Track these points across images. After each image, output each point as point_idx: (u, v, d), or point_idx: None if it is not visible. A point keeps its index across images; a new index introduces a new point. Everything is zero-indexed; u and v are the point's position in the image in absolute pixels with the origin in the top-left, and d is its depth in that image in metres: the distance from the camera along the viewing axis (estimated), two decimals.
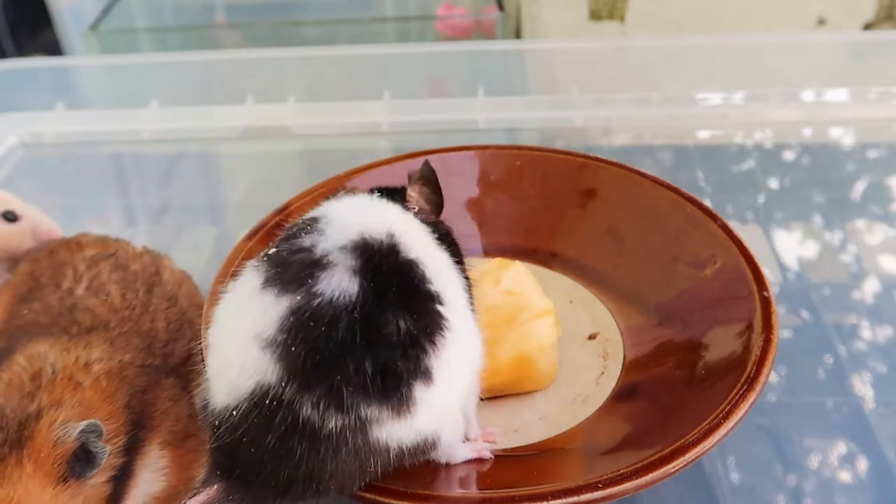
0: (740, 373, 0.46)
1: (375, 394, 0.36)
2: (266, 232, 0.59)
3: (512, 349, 0.52)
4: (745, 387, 0.45)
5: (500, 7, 1.43)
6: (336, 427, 0.35)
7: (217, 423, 0.37)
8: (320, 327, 0.36)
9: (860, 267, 0.70)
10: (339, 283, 0.36)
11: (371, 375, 0.36)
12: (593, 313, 0.59)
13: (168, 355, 0.50)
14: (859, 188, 0.80)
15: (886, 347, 0.62)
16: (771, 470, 0.53)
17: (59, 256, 0.55)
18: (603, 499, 0.41)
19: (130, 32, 1.50)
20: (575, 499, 0.40)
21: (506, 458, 0.48)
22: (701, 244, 0.56)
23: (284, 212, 0.61)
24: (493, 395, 0.53)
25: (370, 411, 0.36)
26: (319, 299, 0.36)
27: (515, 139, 0.89)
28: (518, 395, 0.53)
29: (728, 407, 0.44)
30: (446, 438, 0.41)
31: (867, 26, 1.26)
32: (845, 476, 0.53)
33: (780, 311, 0.54)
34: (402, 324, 0.37)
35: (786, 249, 0.72)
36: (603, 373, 0.54)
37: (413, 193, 0.46)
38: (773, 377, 0.59)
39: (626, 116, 0.90)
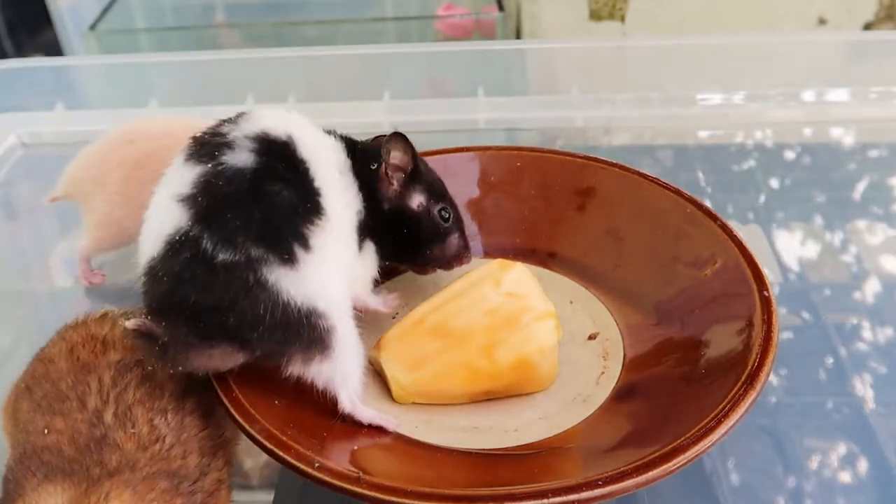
0: (740, 371, 0.46)
1: (261, 238, 0.44)
2: None
3: (513, 352, 0.52)
4: (745, 385, 0.45)
5: (500, 7, 1.43)
6: (229, 259, 0.43)
7: (144, 276, 0.45)
8: (220, 184, 0.45)
9: (861, 267, 0.70)
10: (240, 157, 0.46)
11: (258, 222, 0.44)
12: (593, 313, 0.59)
13: (193, 492, 0.44)
14: (860, 188, 0.80)
15: (887, 348, 0.62)
16: (771, 470, 0.53)
17: (81, 357, 0.48)
18: (603, 496, 0.41)
19: (130, 32, 1.50)
20: (575, 496, 0.40)
21: (506, 457, 0.48)
22: (701, 244, 0.56)
23: None
24: (493, 397, 0.53)
25: (257, 252, 0.44)
26: (223, 166, 0.45)
27: (515, 139, 0.89)
28: (518, 395, 0.53)
29: (728, 405, 0.44)
30: (339, 342, 0.47)
31: (867, 26, 1.26)
32: (846, 476, 0.53)
33: (780, 311, 0.54)
34: (286, 194, 0.46)
35: (786, 250, 0.72)
36: (603, 373, 0.54)
37: (388, 154, 0.53)
38: (774, 377, 0.59)
39: (626, 116, 0.90)
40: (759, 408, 0.56)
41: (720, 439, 0.43)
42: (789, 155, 0.86)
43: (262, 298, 0.44)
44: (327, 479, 0.42)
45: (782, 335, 0.58)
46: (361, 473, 0.42)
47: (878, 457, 0.54)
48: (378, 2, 1.62)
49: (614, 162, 0.64)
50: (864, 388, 0.58)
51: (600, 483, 0.41)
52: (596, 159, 0.64)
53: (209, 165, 0.45)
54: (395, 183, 0.54)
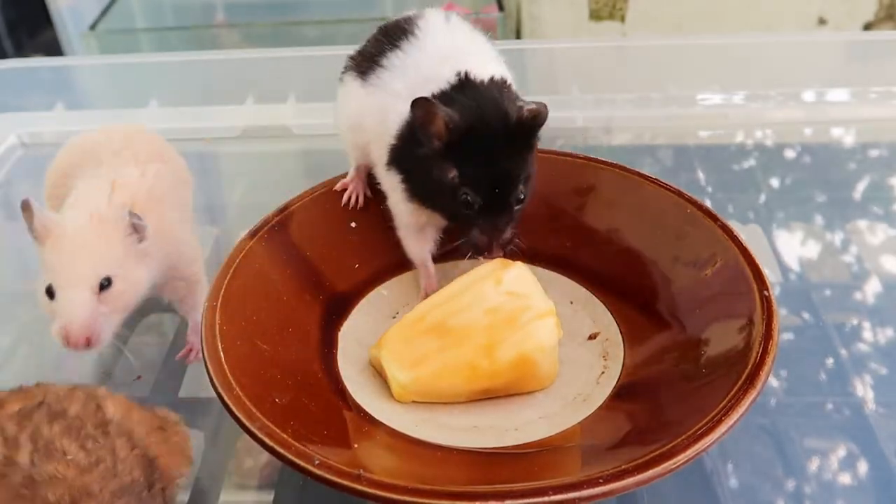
0: (741, 371, 0.46)
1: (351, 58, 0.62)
2: (266, 232, 0.59)
3: (513, 350, 0.52)
4: (745, 385, 0.45)
5: (501, 7, 1.43)
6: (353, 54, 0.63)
7: None
8: (386, 30, 0.60)
9: (861, 267, 0.70)
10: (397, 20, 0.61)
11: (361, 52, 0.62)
12: (593, 313, 0.59)
13: (154, 496, 0.44)
14: (860, 188, 0.80)
15: (887, 348, 0.62)
16: (771, 470, 0.53)
17: None
18: (603, 494, 0.41)
19: (130, 32, 1.51)
20: (576, 494, 0.40)
21: (506, 456, 0.48)
22: (701, 245, 0.56)
23: (284, 212, 0.61)
24: (494, 396, 0.53)
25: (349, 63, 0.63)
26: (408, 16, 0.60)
27: None
28: (519, 394, 0.53)
29: (728, 405, 0.44)
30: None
31: (867, 26, 1.26)
32: (846, 476, 0.53)
33: (780, 311, 0.54)
34: (368, 49, 0.61)
35: (786, 250, 0.72)
36: (603, 372, 0.54)
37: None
38: (774, 378, 0.59)
39: (626, 116, 0.90)
40: (759, 408, 0.56)
41: (720, 439, 0.43)
42: (789, 155, 0.86)
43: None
44: (327, 476, 0.42)
45: (782, 335, 0.58)
46: (362, 471, 0.42)
47: (878, 457, 0.54)
48: (378, 2, 1.62)
49: (614, 162, 0.64)
50: (864, 388, 0.58)
51: (601, 481, 0.41)
52: (596, 159, 0.64)
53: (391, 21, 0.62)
54: (430, 143, 0.53)
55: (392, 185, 0.58)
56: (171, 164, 0.66)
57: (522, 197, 0.54)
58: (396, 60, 0.57)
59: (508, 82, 0.56)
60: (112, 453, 0.43)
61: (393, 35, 0.59)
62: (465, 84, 0.54)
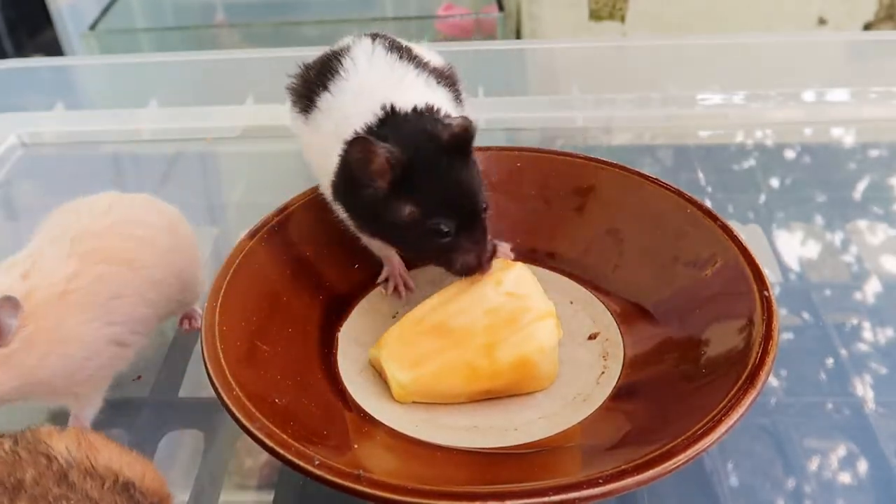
0: (741, 371, 0.46)
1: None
2: (266, 232, 0.59)
3: (514, 352, 0.52)
4: (745, 385, 0.45)
5: (500, 7, 1.43)
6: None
7: None
8: (321, 66, 0.60)
9: (861, 267, 0.70)
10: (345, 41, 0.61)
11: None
12: (593, 313, 0.59)
13: None
14: (860, 188, 0.80)
15: (887, 348, 0.62)
16: (771, 470, 0.53)
17: None
18: (603, 494, 0.41)
19: (130, 32, 1.51)
20: (576, 494, 0.40)
21: (506, 456, 0.48)
22: (701, 245, 0.56)
23: (284, 212, 0.61)
24: (494, 396, 0.53)
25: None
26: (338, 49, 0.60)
27: (516, 139, 0.89)
28: (519, 394, 0.53)
29: (728, 405, 0.44)
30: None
31: (867, 26, 1.26)
32: (846, 476, 0.53)
33: (780, 311, 0.54)
34: (310, 73, 0.61)
35: (786, 250, 0.72)
36: (603, 372, 0.54)
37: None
38: (774, 378, 0.59)
39: (626, 116, 0.90)
40: (759, 408, 0.56)
41: (720, 439, 0.43)
42: (789, 155, 0.86)
43: None
44: (327, 476, 0.42)
45: (782, 335, 0.58)
46: (362, 471, 0.42)
47: (878, 457, 0.54)
48: (378, 2, 1.62)
49: (614, 162, 0.64)
50: (864, 388, 0.58)
51: (601, 481, 0.41)
52: (596, 159, 0.64)
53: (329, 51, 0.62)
54: (373, 183, 0.51)
55: (342, 215, 0.57)
56: (135, 267, 0.56)
57: (485, 205, 0.53)
58: (326, 103, 0.57)
59: (436, 107, 0.54)
60: (88, 499, 0.41)
61: (324, 74, 0.59)
62: (390, 116, 0.53)
